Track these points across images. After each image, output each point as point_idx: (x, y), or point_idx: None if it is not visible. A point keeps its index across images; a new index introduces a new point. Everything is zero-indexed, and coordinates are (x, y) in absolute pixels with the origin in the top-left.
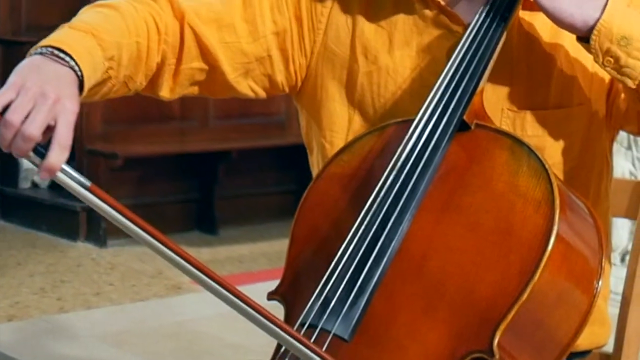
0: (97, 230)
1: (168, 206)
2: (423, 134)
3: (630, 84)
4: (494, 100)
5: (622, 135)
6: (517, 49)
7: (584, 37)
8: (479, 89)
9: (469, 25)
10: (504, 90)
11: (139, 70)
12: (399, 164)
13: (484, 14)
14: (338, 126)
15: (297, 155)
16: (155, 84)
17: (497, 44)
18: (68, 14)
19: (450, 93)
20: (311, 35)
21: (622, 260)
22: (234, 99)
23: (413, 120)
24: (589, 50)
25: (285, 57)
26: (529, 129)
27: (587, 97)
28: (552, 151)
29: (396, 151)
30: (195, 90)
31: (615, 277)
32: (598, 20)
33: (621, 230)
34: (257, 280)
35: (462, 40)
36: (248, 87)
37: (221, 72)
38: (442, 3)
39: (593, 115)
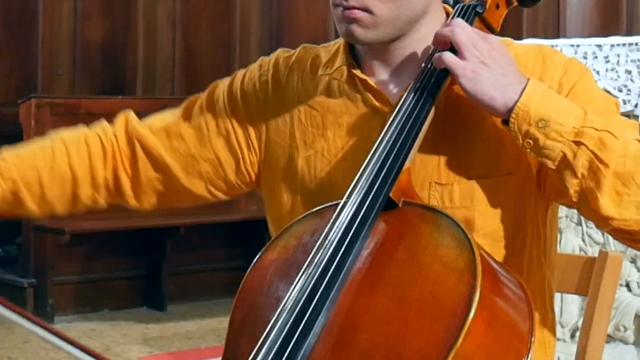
0: (45, 306)
1: (116, 282)
2: (350, 212)
3: (550, 164)
4: (423, 174)
5: (573, 211)
6: (443, 121)
7: (506, 120)
8: (405, 167)
9: (396, 104)
10: (431, 164)
11: (79, 187)
12: (327, 241)
13: (411, 93)
14: (285, 215)
15: (245, 231)
16: (122, 195)
17: (423, 122)
18: None
19: (376, 172)
20: (256, 132)
21: (572, 336)
22: None
23: (341, 201)
24: (509, 132)
25: (236, 157)
26: (457, 200)
27: (516, 167)
28: (482, 221)
29: (325, 231)
30: (162, 199)
31: (565, 354)
32: (516, 103)
33: (571, 305)
34: (204, 357)
35: (389, 120)
36: (206, 189)
37: (176, 178)
38: (371, 83)
39: (523, 185)
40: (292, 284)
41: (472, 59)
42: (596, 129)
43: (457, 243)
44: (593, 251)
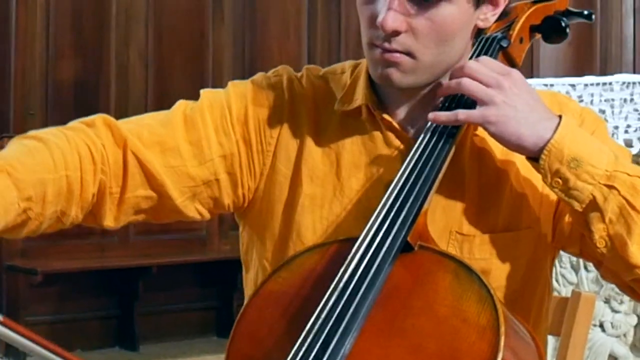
0: (16, 347)
1: (88, 322)
2: (366, 254)
3: (577, 206)
4: (444, 222)
5: None
6: (469, 169)
7: (534, 157)
8: (423, 209)
9: (414, 144)
10: (454, 213)
11: (71, 204)
12: (342, 284)
13: (429, 134)
14: (279, 249)
15: (218, 271)
16: (98, 214)
17: (442, 164)
18: None
19: (395, 213)
20: (260, 158)
21: None
22: None
23: (356, 239)
24: (537, 169)
25: (234, 181)
26: (477, 252)
27: (535, 220)
28: (498, 274)
29: (338, 271)
30: (140, 217)
31: None
32: (549, 140)
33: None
34: None
35: (407, 160)
36: (195, 210)
37: (168, 198)
38: (394, 124)
39: (540, 238)
40: (300, 325)
41: (492, 103)
42: (629, 174)
43: (478, 298)
44: (566, 291)
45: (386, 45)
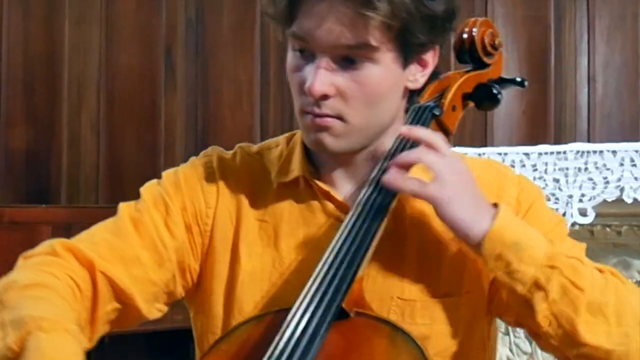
0: None
1: None
2: (301, 322)
3: (520, 288)
4: (385, 288)
5: (499, 321)
6: (409, 235)
7: (475, 244)
8: (357, 276)
9: (347, 212)
10: (395, 278)
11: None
12: (277, 352)
13: (364, 201)
14: (219, 327)
15: (173, 341)
16: None
17: (376, 231)
18: None
19: (329, 281)
20: (200, 240)
21: None
22: None
23: (291, 308)
24: (479, 254)
25: (182, 269)
26: (418, 317)
27: (475, 285)
28: (438, 339)
29: (273, 340)
30: (107, 329)
31: None
32: (491, 227)
33: None
34: None
35: (341, 228)
36: (157, 310)
37: (135, 308)
38: (331, 192)
39: (478, 302)
40: None
41: (446, 183)
42: (567, 256)
43: None
44: None
45: (316, 110)
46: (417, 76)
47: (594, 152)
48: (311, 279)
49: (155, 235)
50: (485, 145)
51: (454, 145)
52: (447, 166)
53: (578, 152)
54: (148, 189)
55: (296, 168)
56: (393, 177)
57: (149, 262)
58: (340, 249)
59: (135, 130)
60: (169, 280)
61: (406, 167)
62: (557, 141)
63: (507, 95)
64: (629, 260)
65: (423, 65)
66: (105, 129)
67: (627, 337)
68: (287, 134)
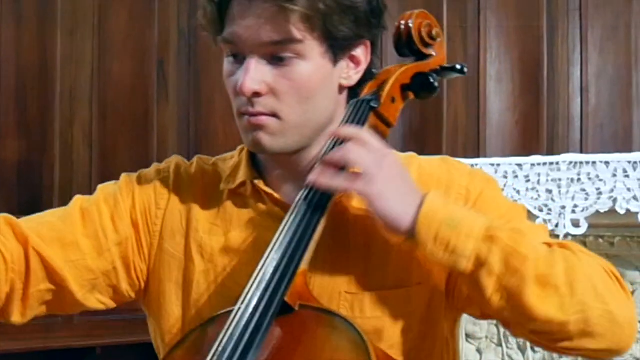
0: None
1: None
2: (243, 318)
3: (464, 265)
4: (332, 284)
5: (493, 331)
6: (352, 229)
7: (410, 236)
8: (299, 270)
9: (288, 210)
10: (341, 274)
11: None
12: (220, 350)
13: (302, 198)
14: (177, 329)
15: None
16: (6, 311)
17: (315, 227)
18: None
19: (270, 276)
20: (148, 239)
21: None
22: None
23: (235, 306)
24: (417, 244)
25: (127, 265)
26: (368, 310)
27: (426, 276)
28: (391, 332)
29: (219, 339)
30: (44, 309)
31: None
32: (419, 211)
33: None
34: None
35: (281, 226)
36: (96, 300)
37: (69, 292)
38: (275, 195)
39: (433, 294)
40: None
41: (374, 177)
42: (506, 228)
43: (353, 346)
44: None
45: (250, 109)
46: (350, 73)
47: (587, 163)
48: (254, 276)
49: (99, 225)
50: (478, 156)
51: (449, 155)
52: (374, 161)
53: (571, 162)
54: (104, 186)
55: (242, 174)
56: (318, 176)
57: (87, 249)
58: (280, 245)
59: (127, 142)
60: (108, 272)
61: (333, 165)
62: (550, 152)
63: (500, 106)
64: (622, 271)
65: (356, 62)
66: (97, 140)
67: (583, 305)
68: (241, 146)
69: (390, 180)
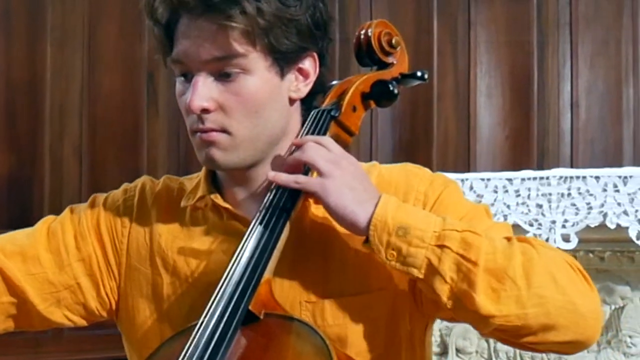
0: None
1: None
2: (207, 329)
3: (417, 273)
4: (293, 294)
5: (483, 346)
6: (310, 239)
7: (366, 240)
8: (263, 279)
9: (246, 223)
10: (300, 283)
11: None
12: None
13: (263, 208)
14: (152, 342)
15: None
16: None
17: (279, 234)
18: None
19: (234, 287)
20: (116, 257)
21: None
22: None
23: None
24: (371, 249)
25: (95, 282)
26: (329, 318)
27: (387, 282)
28: (355, 339)
29: (185, 350)
30: (11, 324)
31: None
32: (372, 215)
33: None
34: None
35: (243, 237)
36: (63, 316)
37: (31, 304)
38: (231, 209)
39: (395, 299)
40: None
41: (331, 176)
42: (457, 230)
43: (316, 350)
44: None
45: (200, 126)
46: (299, 86)
47: (577, 177)
48: (218, 286)
49: (61, 241)
50: (469, 171)
51: (438, 171)
52: (330, 161)
53: (561, 177)
54: (73, 206)
55: (201, 190)
56: (276, 174)
57: (48, 263)
58: (243, 255)
59: (117, 155)
60: (72, 287)
61: (293, 165)
62: (540, 167)
63: (491, 121)
64: (612, 286)
65: (304, 74)
66: (87, 154)
67: (541, 298)
68: None
69: (348, 179)
